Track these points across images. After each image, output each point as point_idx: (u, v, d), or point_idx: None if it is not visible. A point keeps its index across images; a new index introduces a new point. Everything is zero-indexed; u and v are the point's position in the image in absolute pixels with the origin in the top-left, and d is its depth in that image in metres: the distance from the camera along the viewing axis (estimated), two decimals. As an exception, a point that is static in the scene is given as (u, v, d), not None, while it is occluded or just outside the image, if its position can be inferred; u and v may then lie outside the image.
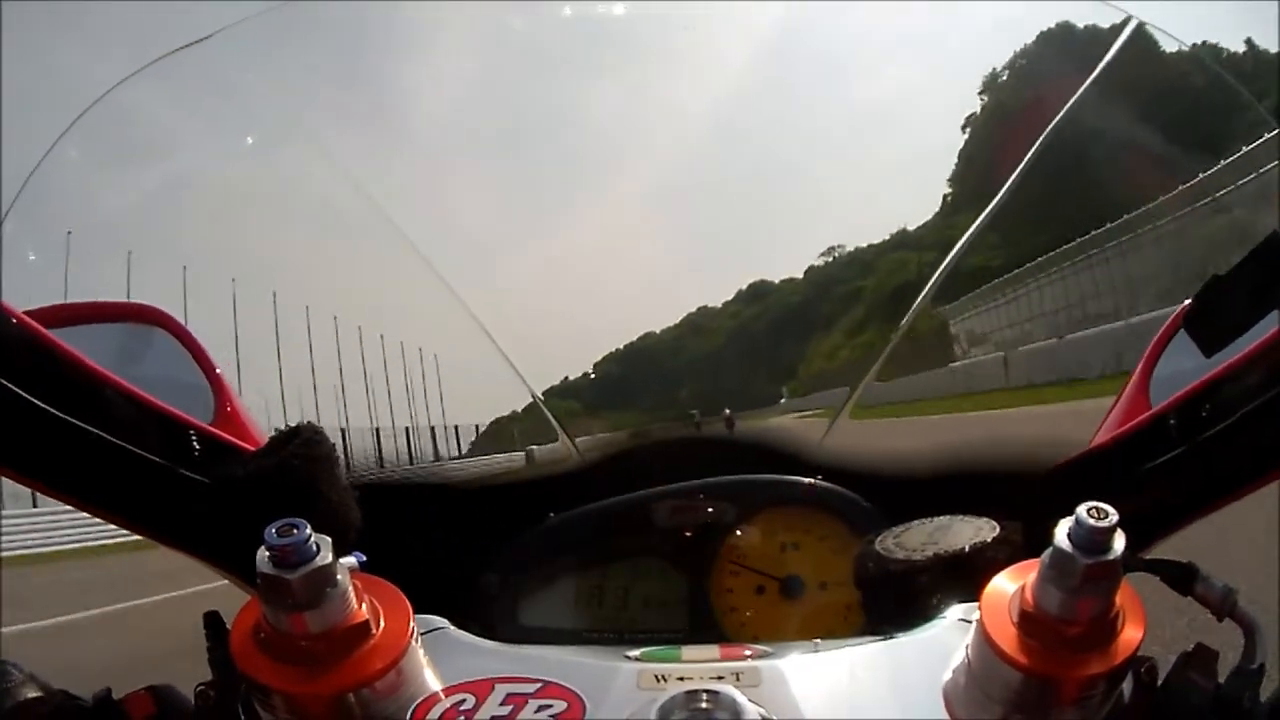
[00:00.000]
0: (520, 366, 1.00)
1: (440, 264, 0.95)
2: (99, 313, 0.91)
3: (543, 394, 1.05)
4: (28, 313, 0.57)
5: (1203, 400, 0.62)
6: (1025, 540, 0.67)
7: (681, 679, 0.51)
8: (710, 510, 0.92)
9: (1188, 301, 0.73)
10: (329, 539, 0.47)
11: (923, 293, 1.02)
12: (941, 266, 1.02)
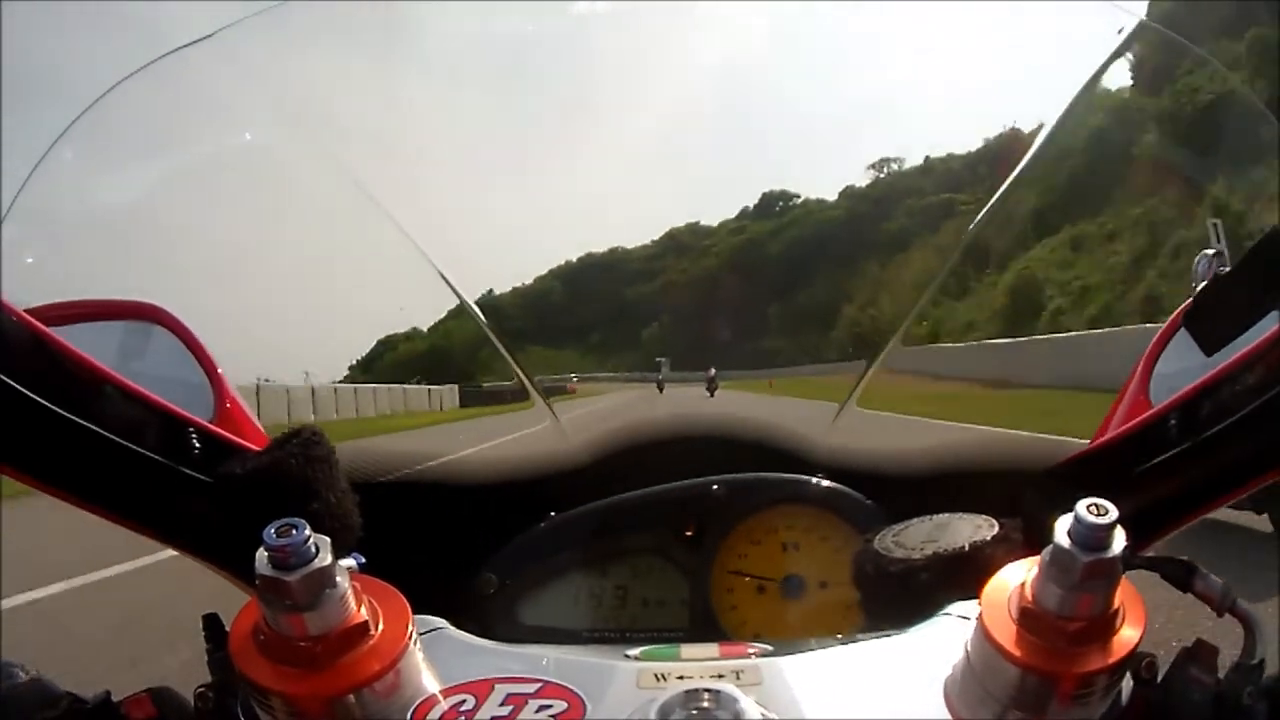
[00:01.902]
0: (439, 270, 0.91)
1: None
2: (99, 310, 0.91)
3: (454, 305, 0.94)
4: (28, 311, 0.57)
5: (1203, 399, 0.62)
6: (1025, 538, 0.67)
7: (681, 678, 0.51)
8: (710, 508, 0.92)
9: (1189, 300, 0.73)
10: (328, 540, 0.47)
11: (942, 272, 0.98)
12: (948, 264, 1.01)
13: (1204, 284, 0.73)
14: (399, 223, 0.89)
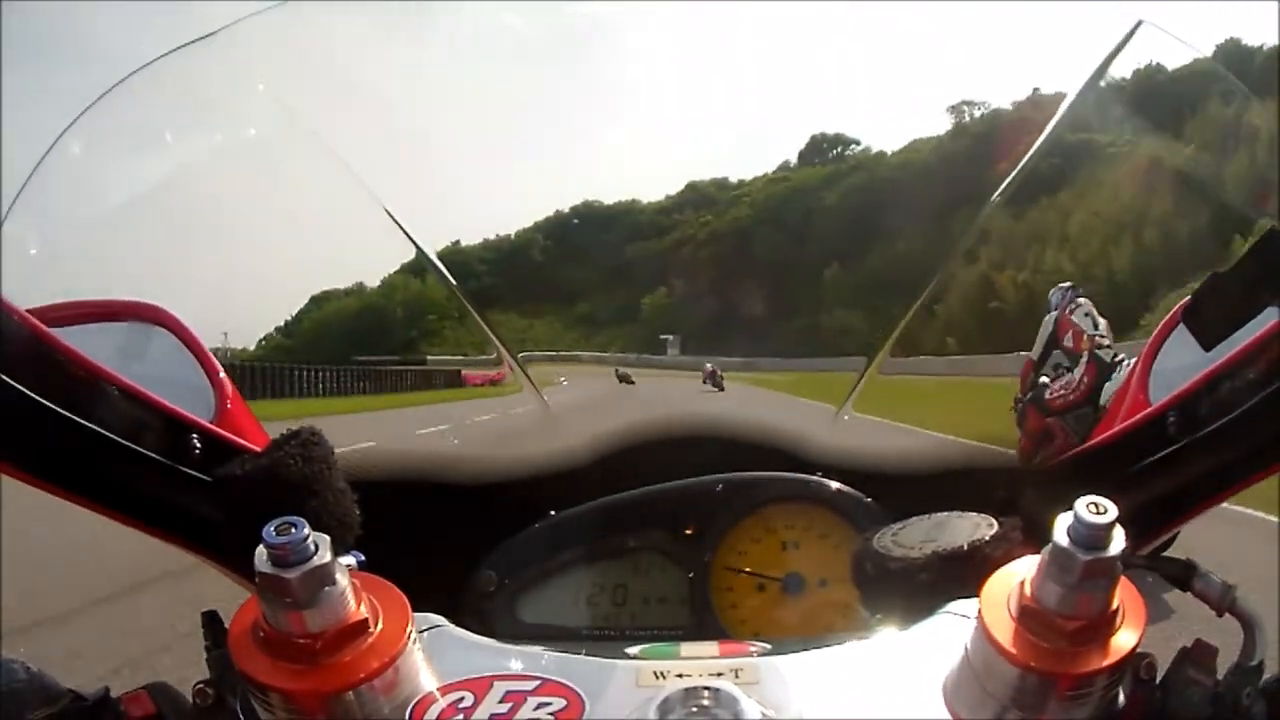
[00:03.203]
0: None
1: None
2: (100, 312, 0.91)
3: (414, 256, 0.82)
4: (30, 312, 0.58)
5: (1201, 396, 0.62)
6: (1024, 537, 0.67)
7: (680, 676, 0.51)
8: (710, 507, 0.92)
9: (1187, 297, 0.73)
10: (327, 538, 0.47)
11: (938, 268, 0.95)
12: (945, 262, 1.00)
13: (1203, 288, 0.72)
14: (326, 140, 0.82)
